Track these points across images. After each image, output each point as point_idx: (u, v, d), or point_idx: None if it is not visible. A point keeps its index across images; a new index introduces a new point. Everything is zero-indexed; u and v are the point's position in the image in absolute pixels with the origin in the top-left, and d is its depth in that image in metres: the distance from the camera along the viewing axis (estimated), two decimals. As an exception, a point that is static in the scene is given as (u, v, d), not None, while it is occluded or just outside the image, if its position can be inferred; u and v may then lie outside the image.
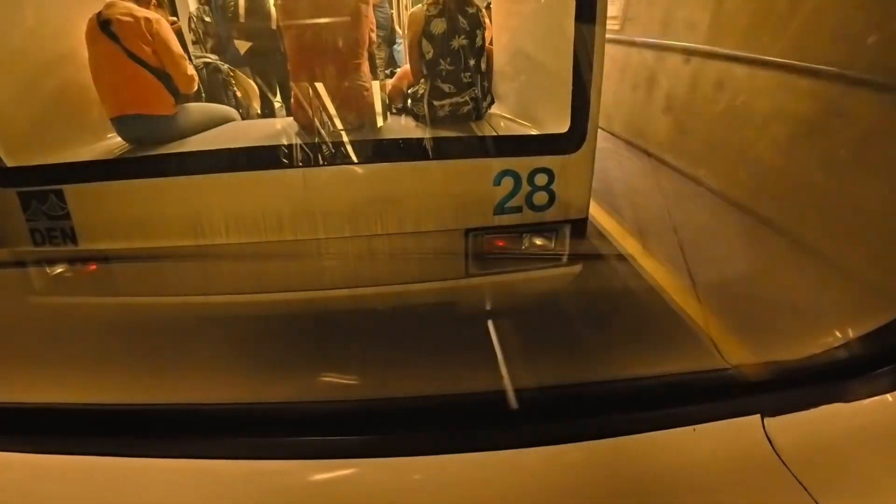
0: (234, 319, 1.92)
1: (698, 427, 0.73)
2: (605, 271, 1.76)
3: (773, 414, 0.76)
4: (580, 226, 1.72)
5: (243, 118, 2.35)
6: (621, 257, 1.77)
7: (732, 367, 0.87)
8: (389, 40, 3.05)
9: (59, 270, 1.91)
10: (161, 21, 1.97)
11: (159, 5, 2.06)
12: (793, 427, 0.76)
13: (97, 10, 1.95)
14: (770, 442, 0.74)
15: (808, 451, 0.74)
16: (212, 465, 0.79)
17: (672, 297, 1.54)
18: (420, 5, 1.92)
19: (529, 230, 1.73)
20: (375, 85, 2.08)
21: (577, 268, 1.75)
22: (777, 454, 0.73)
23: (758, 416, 0.76)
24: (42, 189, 1.77)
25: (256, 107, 2.47)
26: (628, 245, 1.80)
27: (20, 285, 1.90)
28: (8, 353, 1.66)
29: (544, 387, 0.81)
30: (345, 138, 1.81)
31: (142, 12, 1.95)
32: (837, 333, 0.82)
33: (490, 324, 1.54)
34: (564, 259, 1.74)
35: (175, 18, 2.33)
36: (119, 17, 1.91)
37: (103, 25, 1.91)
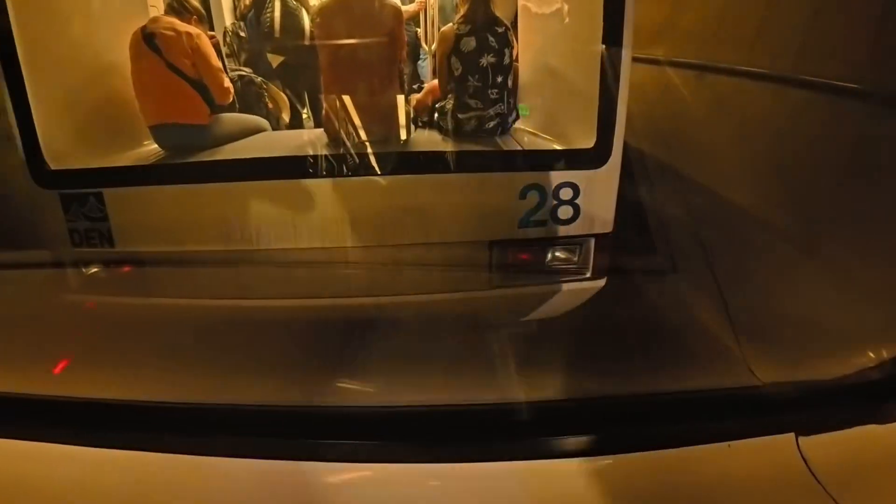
0: (261, 323, 1.96)
1: (733, 443, 0.73)
2: (631, 286, 1.76)
3: (808, 433, 0.76)
4: (605, 240, 1.74)
5: (273, 129, 2.43)
6: (648, 272, 1.77)
7: (766, 385, 0.87)
8: (414, 56, 3.14)
9: (95, 270, 1.98)
10: (202, 36, 2.06)
11: (200, 20, 2.16)
12: (827, 446, 0.76)
13: (141, 24, 2.05)
14: (805, 460, 0.74)
15: (843, 470, 0.74)
16: (227, 464, 0.82)
17: (703, 314, 1.54)
18: (451, 24, 1.99)
19: (554, 244, 1.75)
20: (403, 99, 2.14)
21: (601, 282, 1.76)
22: (812, 473, 0.73)
23: (792, 434, 0.76)
24: (82, 192, 1.85)
25: (286, 118, 2.55)
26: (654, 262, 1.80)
27: (57, 284, 1.97)
28: (43, 350, 1.72)
29: (576, 399, 0.82)
30: (374, 150, 1.86)
31: (184, 27, 2.04)
32: (871, 354, 0.83)
33: (515, 335, 1.55)
34: (589, 273, 1.75)
35: (213, 33, 2.44)
36: (162, 31, 2.01)
37: (147, 39, 2.01)
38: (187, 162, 1.97)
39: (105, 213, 1.86)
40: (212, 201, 1.85)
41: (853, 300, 1.22)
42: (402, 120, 2.12)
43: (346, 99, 2.00)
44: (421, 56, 3.24)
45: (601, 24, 1.59)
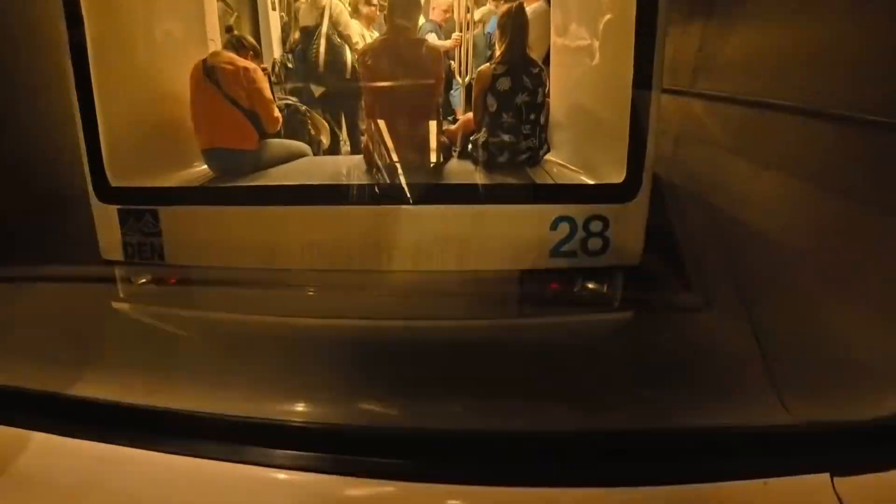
0: (294, 340, 2.04)
1: (769, 481, 0.76)
2: (660, 320, 1.78)
3: (844, 474, 0.78)
4: (633, 272, 1.77)
5: (314, 154, 2.57)
6: (676, 306, 1.79)
7: (801, 424, 0.89)
8: (447, 86, 3.29)
9: (144, 281, 2.11)
10: (258, 70, 2.24)
11: (255, 55, 2.34)
12: (864, 488, 0.77)
13: (200, 56, 2.24)
14: (840, 501, 0.75)
15: (881, 514, 0.75)
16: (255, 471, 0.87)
17: (734, 349, 1.54)
18: (488, 64, 2.10)
19: (582, 274, 1.79)
20: (437, 129, 2.25)
21: (628, 314, 1.79)
22: (848, 514, 0.74)
23: (827, 474, 0.77)
24: (139, 208, 1.98)
25: (326, 143, 2.71)
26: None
27: (108, 293, 2.10)
28: (93, 354, 1.82)
29: (610, 430, 0.85)
30: (410, 180, 1.96)
31: (241, 62, 2.22)
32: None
33: (541, 364, 1.58)
34: (616, 304, 1.78)
35: (266, 66, 2.62)
36: (222, 65, 2.19)
37: (208, 71, 2.19)
38: (237, 185, 2.10)
39: (159, 228, 1.99)
40: (257, 223, 1.96)
41: (891, 339, 1.22)
42: (434, 148, 2.23)
43: (386, 130, 2.12)
44: (454, 87, 3.39)
45: (632, 62, 1.66)
